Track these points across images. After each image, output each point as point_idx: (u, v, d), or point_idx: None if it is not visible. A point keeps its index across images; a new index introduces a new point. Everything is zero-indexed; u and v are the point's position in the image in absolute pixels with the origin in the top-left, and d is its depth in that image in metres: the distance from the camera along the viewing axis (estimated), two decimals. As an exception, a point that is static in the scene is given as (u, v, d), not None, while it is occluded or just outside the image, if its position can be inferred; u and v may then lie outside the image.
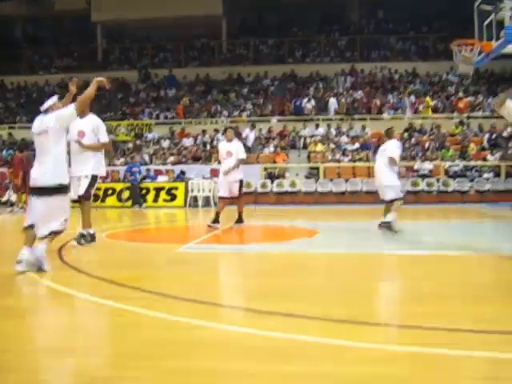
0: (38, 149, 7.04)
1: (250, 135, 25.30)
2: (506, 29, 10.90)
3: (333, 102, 27.36)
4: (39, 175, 6.88)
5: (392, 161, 10.54)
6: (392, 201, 10.63)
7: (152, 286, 5.98)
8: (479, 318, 4.61)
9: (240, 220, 12.61)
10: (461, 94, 27.18)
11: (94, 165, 9.33)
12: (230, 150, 12.30)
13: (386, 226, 10.43)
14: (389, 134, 11.16)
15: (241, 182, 12.44)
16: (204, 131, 25.83)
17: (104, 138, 9.51)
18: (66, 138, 7.32)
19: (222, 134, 13.80)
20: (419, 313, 4.76)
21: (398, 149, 10.80)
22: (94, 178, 9.28)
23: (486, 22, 11.77)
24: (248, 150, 24.62)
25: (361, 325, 4.45)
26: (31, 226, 6.89)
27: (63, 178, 6.97)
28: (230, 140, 12.51)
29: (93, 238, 9.20)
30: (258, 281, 6.56)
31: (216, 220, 11.95)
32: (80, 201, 9.25)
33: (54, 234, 6.98)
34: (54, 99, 7.21)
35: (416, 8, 31.54)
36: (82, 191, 9.15)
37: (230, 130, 12.98)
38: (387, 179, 10.66)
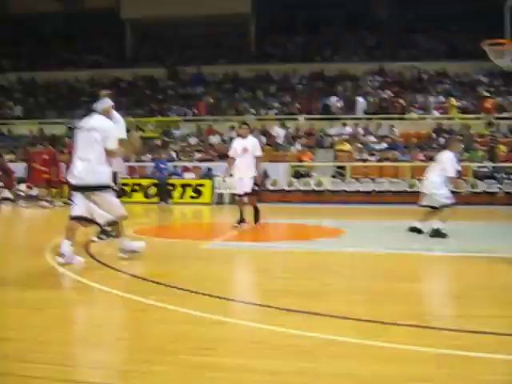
0: (82, 145, 7.17)
1: (281, 133, 25.31)
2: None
3: (361, 102, 27.21)
4: (84, 173, 7.05)
5: (450, 180, 10.50)
6: (442, 207, 10.45)
7: (177, 281, 6.01)
8: (503, 322, 4.57)
9: (257, 217, 12.06)
10: (486, 94, 26.82)
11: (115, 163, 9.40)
12: (246, 146, 11.84)
13: (435, 233, 10.23)
14: (448, 143, 10.99)
15: (254, 178, 11.91)
16: (233, 127, 25.75)
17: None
18: None
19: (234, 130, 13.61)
20: (444, 315, 4.73)
21: (453, 164, 10.50)
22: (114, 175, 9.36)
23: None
24: (278, 147, 24.70)
25: (386, 325, 4.43)
26: (77, 218, 7.13)
27: (107, 177, 7.22)
28: (245, 136, 12.03)
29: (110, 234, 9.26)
30: (282, 279, 6.56)
31: (241, 220, 11.85)
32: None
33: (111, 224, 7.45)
34: (109, 103, 7.58)
35: (445, 7, 31.23)
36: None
37: (245, 125, 12.50)
38: (434, 187, 10.53)
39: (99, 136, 7.05)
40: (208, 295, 5.42)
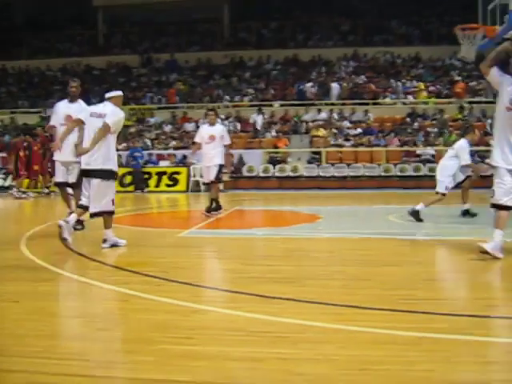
0: (91, 132, 7.48)
1: (258, 119, 25.29)
2: (510, 13, 10.83)
3: (335, 87, 27.26)
4: (91, 159, 7.42)
5: (470, 167, 10.65)
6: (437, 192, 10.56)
7: (155, 270, 6.00)
8: (477, 304, 4.64)
9: (213, 208, 11.73)
10: (457, 78, 27.03)
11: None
12: (213, 133, 11.60)
13: (414, 214, 10.29)
14: (465, 131, 11.12)
15: (220, 167, 11.69)
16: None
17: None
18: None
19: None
20: (420, 298, 4.78)
21: (466, 152, 10.55)
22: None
23: (490, 7, 11.71)
24: (256, 134, 24.69)
25: (363, 309, 4.47)
26: (81, 206, 7.61)
27: (114, 164, 7.60)
28: (212, 124, 11.81)
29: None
30: (259, 265, 6.59)
31: (216, 208, 11.70)
32: (72, 187, 9.33)
33: (107, 213, 7.54)
34: (119, 93, 7.92)
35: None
36: (74, 178, 9.17)
37: (211, 112, 12.23)
38: (440, 173, 10.65)
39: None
40: (186, 284, 5.43)
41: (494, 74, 6.50)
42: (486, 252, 6.17)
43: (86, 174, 7.59)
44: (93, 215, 7.57)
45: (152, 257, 7.25)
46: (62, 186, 9.63)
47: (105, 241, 7.54)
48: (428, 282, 5.54)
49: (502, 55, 6.52)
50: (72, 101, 9.30)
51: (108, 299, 5.10)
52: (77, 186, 9.10)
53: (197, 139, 11.85)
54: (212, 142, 11.53)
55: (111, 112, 7.54)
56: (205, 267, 6.67)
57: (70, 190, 9.53)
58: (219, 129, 11.88)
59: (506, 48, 6.49)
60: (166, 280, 5.59)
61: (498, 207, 6.41)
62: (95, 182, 7.46)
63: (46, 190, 19.21)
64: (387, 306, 4.51)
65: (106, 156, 7.45)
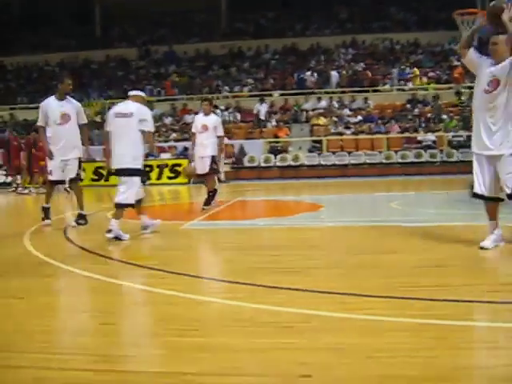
0: (118, 131, 7.77)
1: (262, 109, 25.22)
2: (508, -2, 10.76)
3: (334, 75, 27.20)
4: (120, 157, 7.76)
5: None
6: None
7: (159, 263, 6.02)
8: (474, 289, 4.66)
9: (208, 201, 11.39)
10: (456, 64, 26.94)
11: (81, 147, 9.44)
12: (207, 123, 11.30)
13: None
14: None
15: (212, 158, 11.36)
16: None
17: (85, 119, 9.57)
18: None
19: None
20: (421, 285, 4.80)
21: None
22: (80, 160, 9.41)
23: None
24: (260, 124, 24.66)
25: (367, 297, 4.49)
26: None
27: (141, 162, 7.90)
28: (207, 113, 11.50)
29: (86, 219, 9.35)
30: (262, 256, 6.60)
31: (207, 201, 11.37)
32: (72, 182, 9.47)
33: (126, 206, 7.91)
34: (142, 94, 8.30)
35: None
36: (73, 174, 9.24)
37: (206, 101, 11.93)
38: None
39: (136, 121, 7.67)
40: (190, 276, 5.45)
41: (472, 57, 6.35)
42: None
43: (120, 172, 7.85)
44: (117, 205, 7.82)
45: (156, 250, 7.28)
46: (56, 183, 9.72)
47: (109, 231, 7.56)
48: (429, 268, 5.55)
49: (475, 34, 6.43)
50: (61, 98, 9.29)
51: (113, 293, 5.10)
52: (76, 180, 9.31)
53: (193, 129, 11.67)
54: (205, 132, 11.25)
55: (141, 113, 7.77)
56: (208, 259, 6.69)
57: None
58: (213, 119, 11.59)
59: (480, 26, 6.40)
60: (170, 273, 5.60)
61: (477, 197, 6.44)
62: (125, 179, 7.77)
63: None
64: (390, 294, 4.52)
65: (135, 155, 7.72)
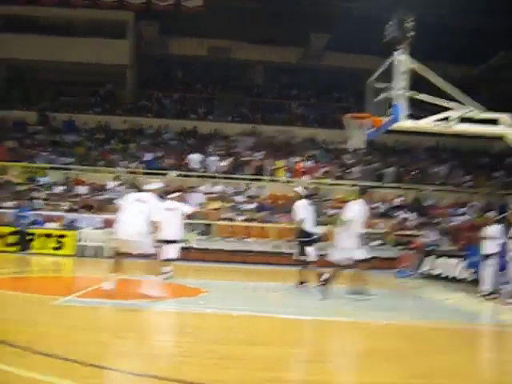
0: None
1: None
2: (393, 107, 11.49)
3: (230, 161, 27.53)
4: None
5: None
6: None
7: (21, 340, 5.72)
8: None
9: None
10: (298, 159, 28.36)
11: None
12: None
13: None
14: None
15: None
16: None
17: None
18: None
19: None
20: (287, 380, 4.81)
21: None
22: None
23: (377, 99, 12.33)
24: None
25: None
26: None
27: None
28: None
29: None
30: (129, 339, 6.43)
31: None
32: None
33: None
34: (160, 185, 10.60)
35: (318, 77, 33.02)
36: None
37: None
38: None
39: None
40: (51, 356, 5.19)
41: None
42: None
43: None
44: None
45: (21, 325, 6.92)
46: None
47: None
48: (301, 363, 5.57)
49: None
50: None
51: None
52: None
53: None
54: None
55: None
56: (74, 339, 6.38)
57: None
58: None
59: None
60: (31, 351, 5.32)
61: None
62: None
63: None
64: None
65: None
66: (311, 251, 12.38)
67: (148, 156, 27.66)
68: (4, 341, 5.64)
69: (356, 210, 11.31)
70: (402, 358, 6.18)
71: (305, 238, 12.42)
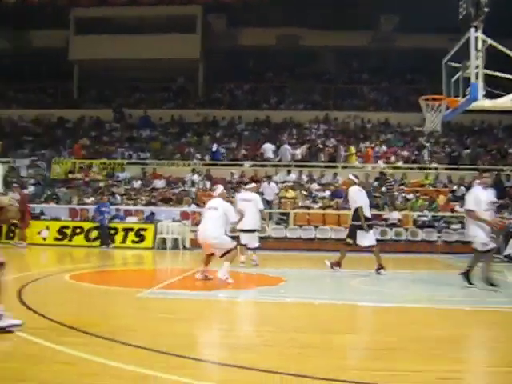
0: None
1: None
2: (471, 86, 11.14)
3: (287, 148, 27.40)
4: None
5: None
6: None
7: (108, 331, 5.89)
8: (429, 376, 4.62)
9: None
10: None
11: None
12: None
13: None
14: None
15: None
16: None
17: None
18: None
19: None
20: (372, 368, 4.75)
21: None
22: None
23: (454, 79, 12.02)
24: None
25: (316, 380, 4.41)
26: None
27: None
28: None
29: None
30: (217, 330, 6.51)
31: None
32: None
33: None
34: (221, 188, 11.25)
35: (388, 60, 32.43)
36: None
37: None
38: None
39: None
40: (139, 347, 5.32)
41: None
42: None
43: None
44: None
45: (106, 317, 7.12)
46: None
47: None
48: (382, 351, 5.50)
49: None
50: None
51: (55, 361, 4.90)
52: None
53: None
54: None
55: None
56: (159, 330, 6.53)
57: None
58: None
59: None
60: (117, 342, 5.47)
61: None
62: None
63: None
64: (339, 377, 4.46)
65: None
66: (371, 235, 12.91)
67: (214, 147, 27.83)
68: (92, 333, 5.81)
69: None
70: (491, 346, 6.03)
71: (365, 223, 12.71)
